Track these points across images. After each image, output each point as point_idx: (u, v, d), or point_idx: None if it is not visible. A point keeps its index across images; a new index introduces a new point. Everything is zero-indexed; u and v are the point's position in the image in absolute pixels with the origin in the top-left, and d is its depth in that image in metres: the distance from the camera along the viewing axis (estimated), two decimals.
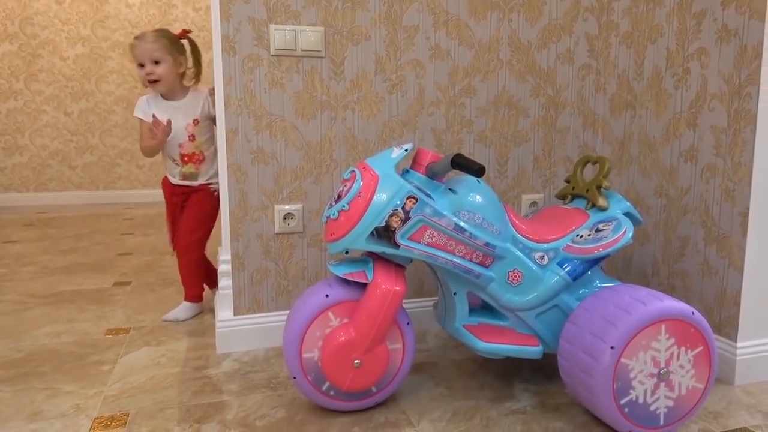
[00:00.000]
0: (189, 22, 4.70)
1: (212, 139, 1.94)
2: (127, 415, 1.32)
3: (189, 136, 1.89)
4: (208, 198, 1.95)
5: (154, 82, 1.83)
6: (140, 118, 1.87)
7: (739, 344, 1.47)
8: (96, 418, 1.30)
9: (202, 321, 1.94)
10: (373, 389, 1.34)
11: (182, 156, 1.90)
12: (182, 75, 1.91)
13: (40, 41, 4.52)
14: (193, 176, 1.93)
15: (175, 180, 1.95)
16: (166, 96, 1.90)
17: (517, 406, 1.38)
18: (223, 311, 1.70)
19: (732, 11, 1.43)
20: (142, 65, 1.83)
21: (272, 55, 1.61)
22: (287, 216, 1.69)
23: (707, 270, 1.55)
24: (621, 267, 1.88)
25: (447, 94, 1.78)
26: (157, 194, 5.03)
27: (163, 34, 1.86)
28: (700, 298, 1.57)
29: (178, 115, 1.87)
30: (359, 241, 1.25)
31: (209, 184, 1.95)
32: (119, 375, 1.53)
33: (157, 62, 1.82)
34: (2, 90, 4.48)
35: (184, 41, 1.92)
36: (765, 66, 1.37)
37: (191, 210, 1.94)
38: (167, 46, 1.83)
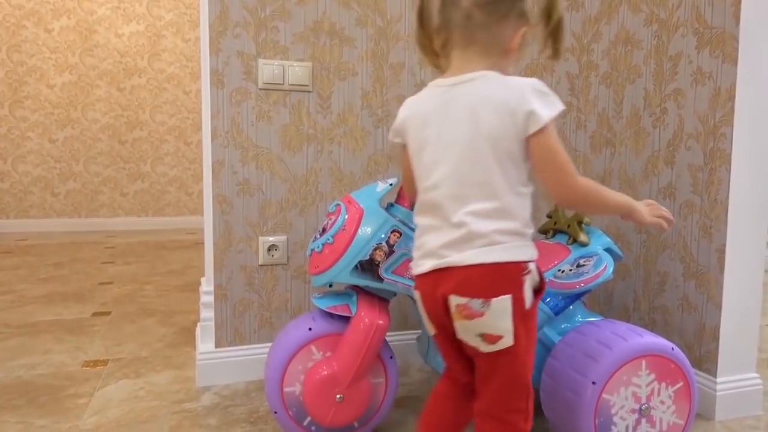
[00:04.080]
0: (178, 52, 4.74)
1: None
2: None
3: None
4: None
5: None
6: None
7: (719, 379, 1.48)
8: None
9: (182, 353, 1.91)
10: (355, 424, 1.32)
11: None
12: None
13: (27, 68, 4.52)
14: None
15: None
16: None
17: None
18: (204, 343, 1.67)
19: (706, 55, 1.49)
20: None
21: (260, 89, 1.63)
22: (271, 248, 1.68)
23: (687, 305, 1.57)
24: (603, 301, 1.90)
25: None
26: (141, 222, 4.86)
27: None
28: (680, 334, 1.59)
29: None
30: (343, 274, 1.26)
31: None
32: (95, 409, 1.49)
33: None
34: None
35: None
36: (738, 108, 1.42)
37: None
38: None
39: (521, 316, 0.91)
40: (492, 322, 0.90)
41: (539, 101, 0.87)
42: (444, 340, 1.01)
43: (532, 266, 0.94)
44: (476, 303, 0.89)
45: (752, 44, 1.41)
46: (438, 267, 0.92)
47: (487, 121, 0.89)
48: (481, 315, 0.89)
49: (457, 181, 0.91)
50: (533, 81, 0.89)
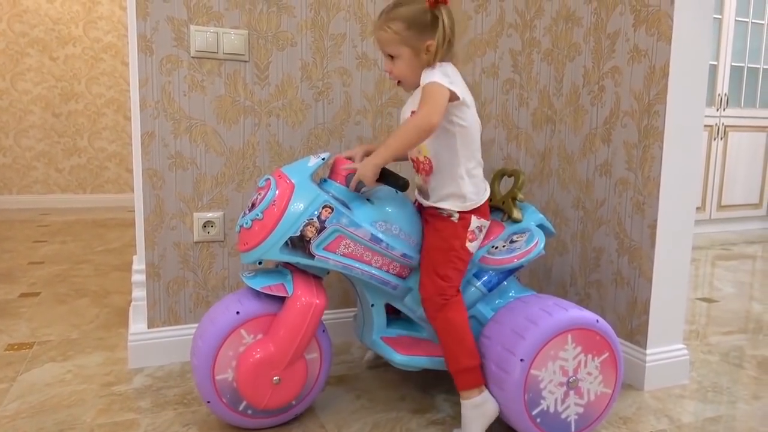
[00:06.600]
0: (115, 20, 4.51)
1: (451, 148, 1.29)
2: None
3: None
4: (445, 227, 1.31)
5: (398, 83, 1.34)
6: None
7: (648, 351, 1.53)
8: None
9: (116, 335, 1.83)
10: (293, 403, 1.30)
11: (413, 161, 1.38)
12: (434, 57, 1.27)
13: None
14: (423, 192, 1.37)
15: (416, 194, 1.43)
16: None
17: (436, 416, 1.37)
18: (137, 324, 1.61)
19: (642, 33, 1.50)
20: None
21: (192, 57, 1.55)
22: (207, 224, 1.63)
23: (620, 280, 1.61)
24: (542, 277, 1.93)
25: (374, 103, 1.77)
26: (78, 199, 4.66)
27: (398, 13, 1.26)
28: (614, 308, 1.63)
29: (407, 107, 1.36)
30: (273, 251, 1.22)
31: (439, 208, 1.32)
32: (17, 394, 1.42)
33: (392, 56, 1.30)
34: None
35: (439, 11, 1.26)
36: (671, 85, 1.44)
37: (427, 240, 1.34)
38: (402, 34, 1.25)
39: None
40: None
41: None
42: None
43: None
44: None
45: (685, 22, 1.43)
46: None
47: None
48: None
49: None
50: None
